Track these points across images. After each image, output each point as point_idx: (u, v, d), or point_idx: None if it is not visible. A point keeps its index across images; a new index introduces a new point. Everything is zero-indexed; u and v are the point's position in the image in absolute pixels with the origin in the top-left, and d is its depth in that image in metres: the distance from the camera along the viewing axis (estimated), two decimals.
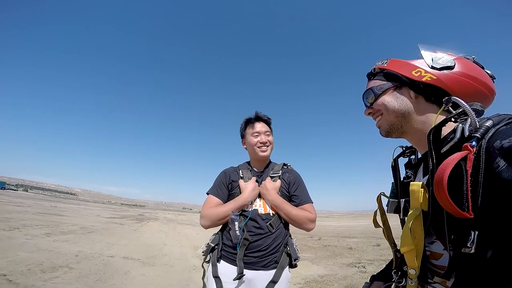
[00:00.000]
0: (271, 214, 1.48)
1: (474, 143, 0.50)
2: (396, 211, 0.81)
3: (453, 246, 0.52)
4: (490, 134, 0.51)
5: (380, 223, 0.92)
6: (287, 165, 1.70)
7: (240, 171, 1.61)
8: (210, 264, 1.43)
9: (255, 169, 1.65)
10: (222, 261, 1.40)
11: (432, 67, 0.68)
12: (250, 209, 1.47)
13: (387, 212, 0.87)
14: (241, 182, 1.56)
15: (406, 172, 0.83)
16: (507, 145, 0.47)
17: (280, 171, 1.62)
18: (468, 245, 0.48)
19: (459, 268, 0.54)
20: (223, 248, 1.44)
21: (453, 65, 0.67)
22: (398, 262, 0.82)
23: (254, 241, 1.38)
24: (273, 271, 1.37)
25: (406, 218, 0.69)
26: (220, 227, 1.54)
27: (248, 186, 1.50)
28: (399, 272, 0.74)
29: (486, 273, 0.49)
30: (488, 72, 0.70)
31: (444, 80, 0.66)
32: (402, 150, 0.87)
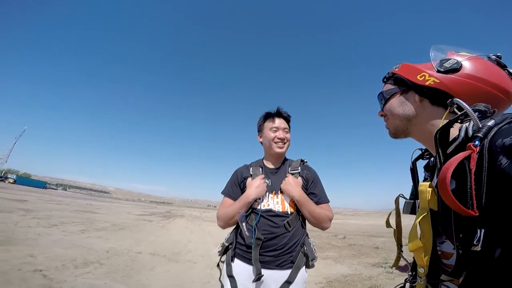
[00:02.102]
0: (289, 212, 1.43)
1: (477, 142, 0.52)
2: (412, 212, 0.85)
3: (462, 245, 0.53)
4: (492, 133, 0.52)
5: (393, 225, 0.95)
6: (304, 162, 1.65)
7: (251, 169, 1.59)
8: (225, 264, 1.43)
9: (270, 165, 1.62)
10: (236, 260, 1.40)
11: (438, 71, 0.69)
12: (259, 207, 1.43)
13: (403, 212, 0.91)
14: (248, 180, 1.54)
15: (425, 174, 0.85)
16: (508, 143, 0.48)
17: (299, 168, 1.57)
18: (475, 243, 0.49)
19: (468, 266, 0.54)
20: (237, 246, 1.43)
21: (459, 67, 0.67)
22: (398, 263, 0.91)
23: (269, 239, 1.35)
24: (288, 271, 1.33)
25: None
26: (235, 225, 1.54)
27: (252, 184, 1.47)
28: (413, 272, 0.76)
29: (494, 272, 0.49)
30: (511, 71, 0.69)
31: (447, 83, 0.68)
32: (421, 153, 0.88)
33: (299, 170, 1.55)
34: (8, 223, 7.13)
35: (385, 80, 0.88)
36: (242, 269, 1.35)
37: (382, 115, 0.89)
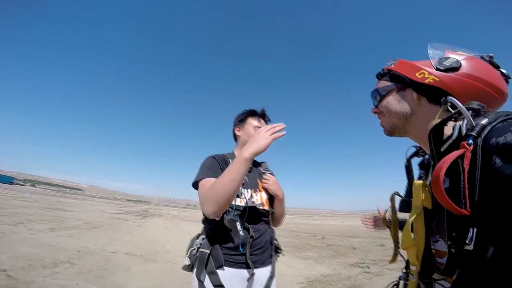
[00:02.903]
0: (267, 209, 1.43)
1: (470, 141, 0.52)
2: (407, 210, 0.84)
3: (455, 244, 0.53)
4: (486, 132, 0.52)
5: (389, 222, 0.95)
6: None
7: (230, 160, 1.44)
8: (205, 274, 1.20)
9: None
10: (226, 268, 1.22)
11: (437, 69, 0.69)
12: (243, 203, 1.33)
13: (398, 211, 0.90)
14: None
15: (420, 172, 0.85)
16: (502, 142, 0.48)
17: (269, 169, 1.61)
18: (467, 242, 0.49)
19: (460, 265, 0.54)
20: (223, 252, 1.25)
21: (458, 66, 0.67)
22: (396, 259, 0.91)
23: (256, 238, 1.31)
24: (269, 267, 1.35)
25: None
26: (202, 229, 1.38)
27: (259, 133, 1.15)
28: (407, 270, 0.76)
29: (487, 271, 0.50)
30: (503, 71, 0.70)
31: (447, 81, 0.67)
32: (415, 150, 0.88)
33: (270, 171, 1.58)
34: None
35: (379, 76, 0.86)
36: (232, 275, 1.22)
37: (376, 112, 0.86)
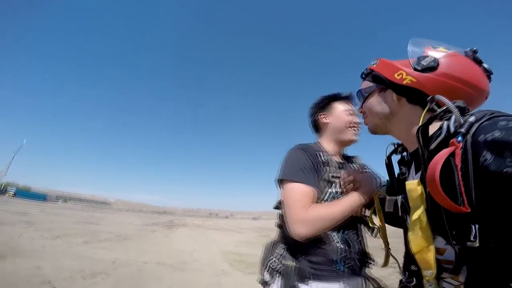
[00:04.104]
0: (365, 215, 1.15)
1: (460, 138, 0.52)
2: (395, 209, 0.80)
3: (457, 241, 0.53)
4: (474, 129, 0.53)
5: (376, 222, 0.94)
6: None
7: (322, 154, 1.14)
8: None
9: (335, 156, 1.24)
10: (313, 282, 0.99)
11: (415, 69, 0.68)
12: None
13: (385, 209, 0.86)
14: (359, 175, 1.06)
15: (401, 169, 0.85)
16: (490, 139, 0.49)
17: (365, 166, 1.29)
18: (472, 239, 0.50)
19: (469, 262, 0.54)
20: (310, 266, 1.01)
21: (436, 65, 0.66)
22: (388, 263, 0.90)
23: (353, 249, 1.07)
24: (361, 279, 1.09)
25: (407, 216, 0.72)
26: (279, 236, 1.17)
27: (368, 180, 1.03)
28: (406, 273, 0.73)
29: (496, 266, 0.50)
30: (486, 66, 0.69)
31: (424, 82, 0.67)
32: (394, 148, 0.89)
33: (369, 169, 1.23)
34: (12, 236, 7.09)
35: (363, 76, 0.86)
36: None
37: (361, 112, 0.89)
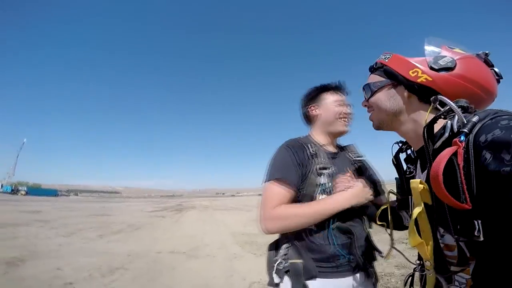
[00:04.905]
0: (364, 205, 1.13)
1: (462, 138, 0.54)
2: (405, 207, 0.87)
3: (463, 236, 0.55)
4: (476, 129, 0.54)
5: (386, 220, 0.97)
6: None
7: (310, 146, 1.15)
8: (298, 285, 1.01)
9: (327, 147, 1.25)
10: (320, 279, 1.02)
11: (431, 68, 0.68)
12: None
13: (396, 209, 0.93)
14: (339, 177, 1.09)
15: (408, 168, 0.86)
16: (490, 138, 0.50)
17: (361, 154, 1.30)
18: (476, 234, 0.52)
19: (475, 255, 0.58)
20: (315, 263, 1.04)
21: (453, 66, 0.66)
22: (389, 256, 0.98)
23: (353, 240, 1.07)
24: (367, 272, 1.12)
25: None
26: (280, 235, 1.17)
27: (352, 190, 1.04)
28: (421, 261, 0.78)
29: (501, 259, 0.53)
30: (496, 70, 0.70)
31: (439, 82, 0.67)
32: (399, 147, 0.89)
33: (363, 157, 1.28)
34: (28, 237, 7.34)
35: (372, 70, 0.84)
36: (326, 285, 1.02)
37: (366, 106, 0.88)
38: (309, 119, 1.35)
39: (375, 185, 1.18)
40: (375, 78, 0.82)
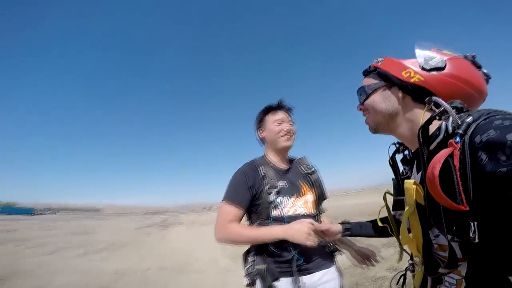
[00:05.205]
0: (313, 213, 1.36)
1: (458, 139, 0.54)
2: (400, 208, 0.88)
3: (457, 237, 0.56)
4: (471, 130, 0.54)
5: (385, 222, 0.99)
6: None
7: (261, 168, 1.35)
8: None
9: (279, 164, 1.43)
10: (283, 279, 1.22)
11: (423, 68, 0.70)
12: (282, 214, 1.29)
13: (392, 210, 0.94)
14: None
15: (404, 169, 0.88)
16: (485, 139, 0.51)
17: (313, 167, 1.47)
18: (471, 235, 0.52)
19: (469, 257, 0.58)
20: (277, 266, 1.25)
21: (443, 66, 0.69)
22: (401, 257, 0.93)
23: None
24: (328, 270, 1.33)
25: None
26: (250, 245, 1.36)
27: (298, 227, 1.16)
28: (413, 261, 0.80)
29: (494, 260, 0.53)
30: (485, 71, 0.72)
31: (432, 81, 0.69)
32: (396, 148, 0.91)
33: (314, 168, 1.46)
34: (6, 256, 6.91)
35: (365, 73, 0.86)
36: (286, 283, 1.22)
37: (361, 109, 0.88)
38: (261, 141, 1.53)
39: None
40: (369, 81, 0.82)
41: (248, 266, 1.29)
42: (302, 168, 1.46)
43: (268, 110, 1.49)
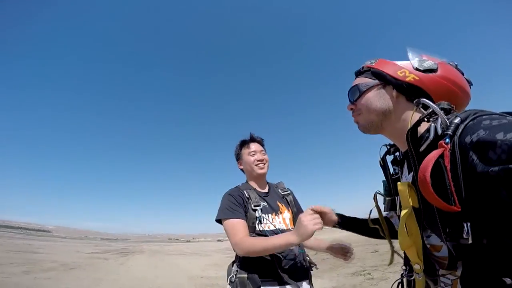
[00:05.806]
0: (291, 228, 1.48)
1: (447, 140, 0.54)
2: (393, 208, 0.87)
3: (451, 238, 0.55)
4: (460, 131, 0.55)
5: (377, 223, 0.97)
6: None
7: (245, 192, 1.53)
8: None
9: (259, 188, 1.63)
10: (263, 287, 1.32)
11: (417, 69, 0.73)
12: (265, 228, 1.45)
13: (383, 210, 0.93)
14: (301, 216, 1.15)
15: (394, 169, 0.88)
16: (476, 139, 0.51)
17: (288, 189, 1.71)
18: (464, 236, 0.51)
19: (463, 258, 0.57)
20: (259, 275, 1.34)
21: (436, 68, 0.72)
22: (393, 259, 0.93)
23: (285, 257, 1.39)
24: (305, 282, 1.44)
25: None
26: (235, 256, 1.48)
27: (308, 221, 1.12)
28: (407, 267, 0.77)
29: (489, 261, 0.52)
30: (467, 78, 0.77)
31: (426, 81, 0.72)
32: (387, 149, 0.92)
33: (289, 191, 1.71)
34: None
35: (359, 73, 0.87)
36: None
37: (352, 109, 0.86)
38: (243, 171, 1.75)
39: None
40: (363, 80, 0.83)
41: (231, 275, 1.40)
42: (279, 191, 1.70)
43: (243, 144, 1.71)
